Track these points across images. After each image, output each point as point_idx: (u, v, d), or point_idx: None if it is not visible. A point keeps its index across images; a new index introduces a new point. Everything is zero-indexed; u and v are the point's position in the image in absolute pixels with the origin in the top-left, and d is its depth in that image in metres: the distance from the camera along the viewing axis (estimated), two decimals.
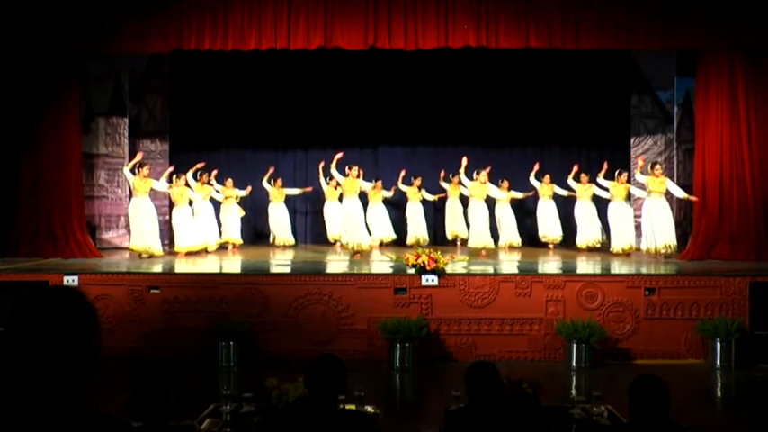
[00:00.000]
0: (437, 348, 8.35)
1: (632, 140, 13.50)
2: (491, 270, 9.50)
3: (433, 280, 8.50)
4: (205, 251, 12.19)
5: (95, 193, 12.74)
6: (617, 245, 11.72)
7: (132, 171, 11.29)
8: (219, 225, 12.89)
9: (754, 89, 10.55)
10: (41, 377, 1.60)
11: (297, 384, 4.77)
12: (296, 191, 13.60)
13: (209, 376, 7.64)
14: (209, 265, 10.90)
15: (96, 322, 1.70)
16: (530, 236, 13.66)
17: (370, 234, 12.36)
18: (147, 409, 3.16)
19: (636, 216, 11.96)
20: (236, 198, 13.06)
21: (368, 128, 14.50)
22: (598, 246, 12.42)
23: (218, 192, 12.88)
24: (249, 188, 13.27)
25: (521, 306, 8.49)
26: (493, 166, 13.28)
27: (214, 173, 12.95)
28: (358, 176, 11.74)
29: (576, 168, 12.78)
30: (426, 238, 13.49)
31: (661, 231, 10.83)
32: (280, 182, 13.54)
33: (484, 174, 12.47)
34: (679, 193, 11.05)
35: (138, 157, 11.62)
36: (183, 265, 10.53)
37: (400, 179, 13.60)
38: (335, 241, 13.03)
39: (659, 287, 8.54)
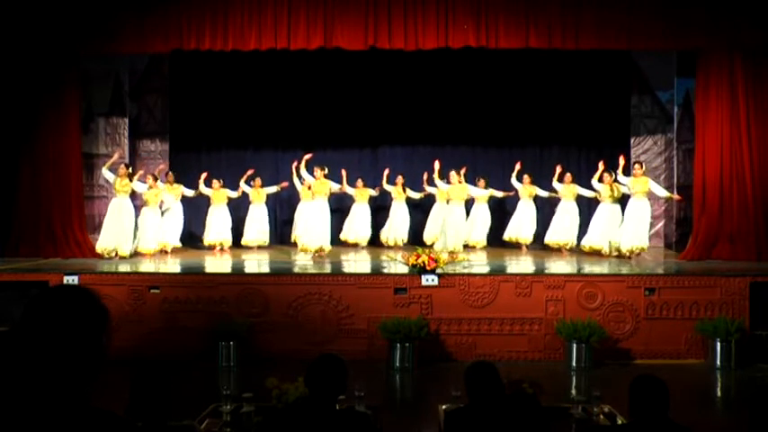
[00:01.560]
0: (437, 348, 8.35)
1: (632, 140, 13.50)
2: (491, 270, 9.49)
3: (433, 280, 8.51)
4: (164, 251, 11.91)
5: (95, 193, 12.74)
6: (587, 243, 11.37)
7: (112, 170, 11.14)
8: (202, 225, 12.84)
9: (754, 89, 10.55)
10: (53, 374, 1.62)
11: (297, 384, 4.77)
12: (273, 188, 13.24)
13: (209, 376, 7.65)
14: (209, 265, 10.89)
15: (107, 321, 1.73)
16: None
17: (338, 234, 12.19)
18: (147, 409, 3.16)
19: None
20: (227, 200, 13.00)
21: (368, 128, 14.48)
22: (571, 247, 12.01)
23: (193, 190, 12.68)
24: (241, 190, 12.99)
25: (521, 306, 8.49)
26: (492, 165, 13.24)
27: (203, 176, 12.83)
28: (327, 177, 11.48)
29: (559, 169, 12.48)
30: (405, 239, 13.22)
31: (633, 232, 10.61)
32: (259, 182, 13.27)
33: (457, 174, 11.82)
34: (661, 192, 11.01)
35: (115, 156, 11.56)
36: (182, 266, 10.52)
37: (384, 178, 13.41)
38: (295, 242, 12.94)
39: (659, 287, 8.55)
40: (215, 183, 12.93)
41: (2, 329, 1.72)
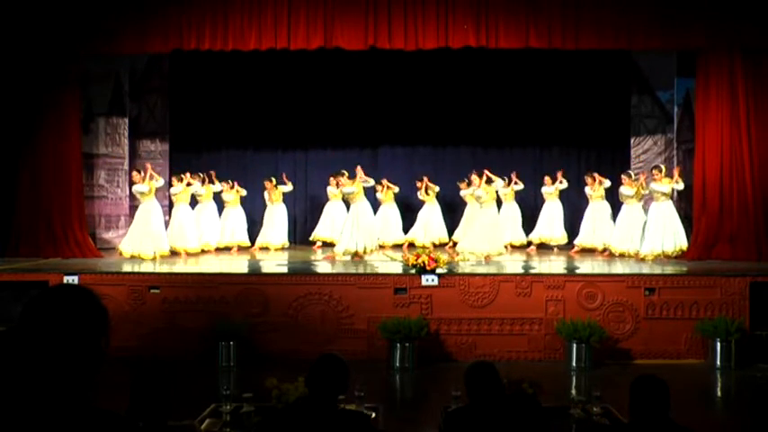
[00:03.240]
0: (437, 348, 8.35)
1: (632, 140, 13.49)
2: (491, 270, 9.48)
3: (433, 280, 8.50)
4: (202, 251, 12.00)
5: (95, 193, 12.74)
6: (624, 247, 11.30)
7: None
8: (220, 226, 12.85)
9: (754, 89, 10.55)
10: (53, 374, 1.62)
11: (297, 384, 4.78)
12: (287, 187, 13.25)
13: (209, 376, 7.64)
14: (209, 265, 10.88)
15: (107, 322, 1.73)
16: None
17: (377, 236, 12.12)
18: (147, 409, 3.16)
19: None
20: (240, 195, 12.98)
21: (368, 128, 14.47)
22: (605, 248, 11.90)
23: (220, 190, 12.73)
24: (244, 191, 12.98)
25: (521, 306, 8.49)
26: (492, 166, 13.18)
27: (213, 173, 12.86)
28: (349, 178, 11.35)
29: (590, 180, 12.34)
30: (446, 238, 13.12)
31: (671, 235, 10.68)
32: (273, 181, 13.18)
33: (477, 176, 11.52)
34: (679, 186, 11.08)
35: (149, 169, 11.49)
36: (182, 265, 10.52)
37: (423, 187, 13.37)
38: (317, 241, 12.92)
39: (659, 287, 8.55)
40: (229, 184, 12.88)
41: (1, 329, 1.73)
